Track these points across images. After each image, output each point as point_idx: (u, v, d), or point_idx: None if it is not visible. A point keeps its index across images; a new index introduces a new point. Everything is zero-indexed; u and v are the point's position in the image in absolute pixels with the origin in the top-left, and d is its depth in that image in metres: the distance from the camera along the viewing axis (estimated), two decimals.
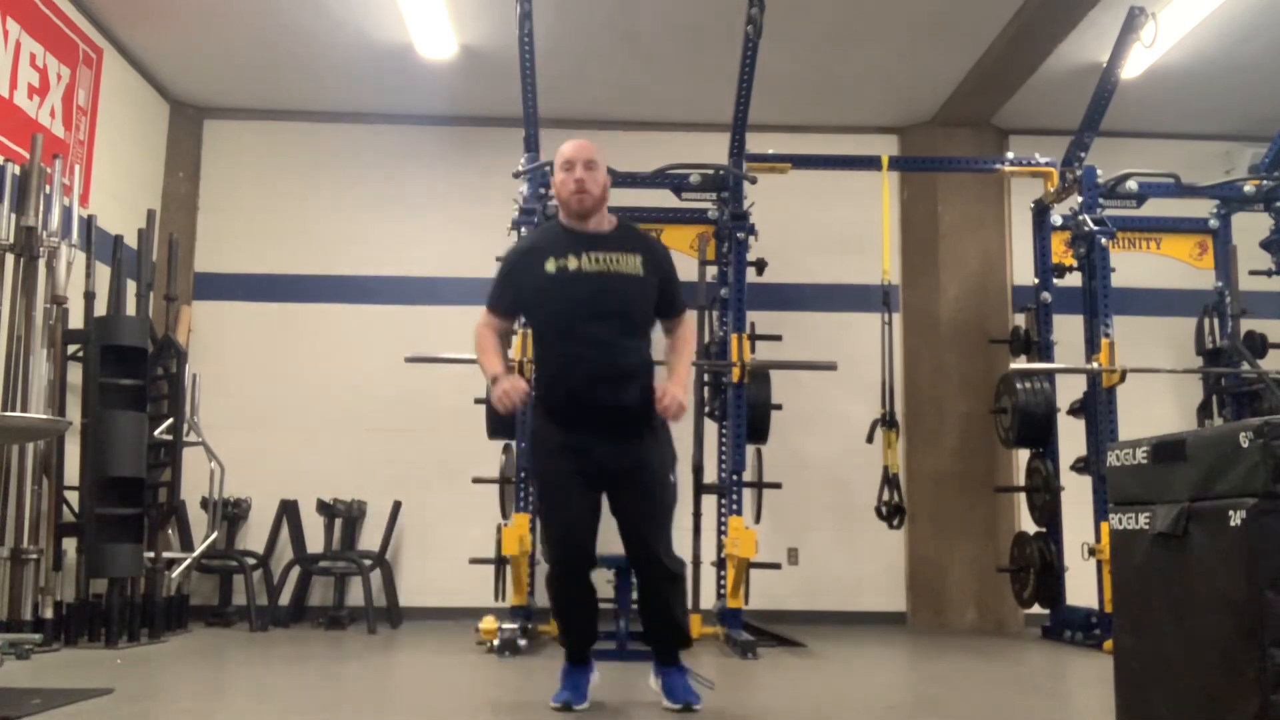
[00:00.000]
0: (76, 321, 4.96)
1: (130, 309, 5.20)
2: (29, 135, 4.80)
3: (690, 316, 3.44)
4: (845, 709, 3.56)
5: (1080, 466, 5.52)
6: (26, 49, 5.00)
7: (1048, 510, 5.70)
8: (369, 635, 5.44)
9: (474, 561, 5.35)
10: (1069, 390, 5.65)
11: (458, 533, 5.93)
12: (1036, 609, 5.84)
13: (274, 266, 6.59)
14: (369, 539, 6.10)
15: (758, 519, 5.32)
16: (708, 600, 5.46)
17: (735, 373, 5.15)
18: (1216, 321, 5.89)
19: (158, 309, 5.57)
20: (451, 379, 5.78)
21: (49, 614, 4.51)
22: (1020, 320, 6.12)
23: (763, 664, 4.48)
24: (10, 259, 4.58)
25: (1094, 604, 5.23)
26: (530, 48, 5.06)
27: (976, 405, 6.25)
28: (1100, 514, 5.19)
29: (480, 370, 3.28)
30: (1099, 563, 5.08)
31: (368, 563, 5.85)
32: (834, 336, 6.27)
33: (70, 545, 4.74)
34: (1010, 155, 6.11)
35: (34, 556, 4.46)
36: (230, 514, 5.98)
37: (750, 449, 5.29)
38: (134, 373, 4.90)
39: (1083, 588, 5.42)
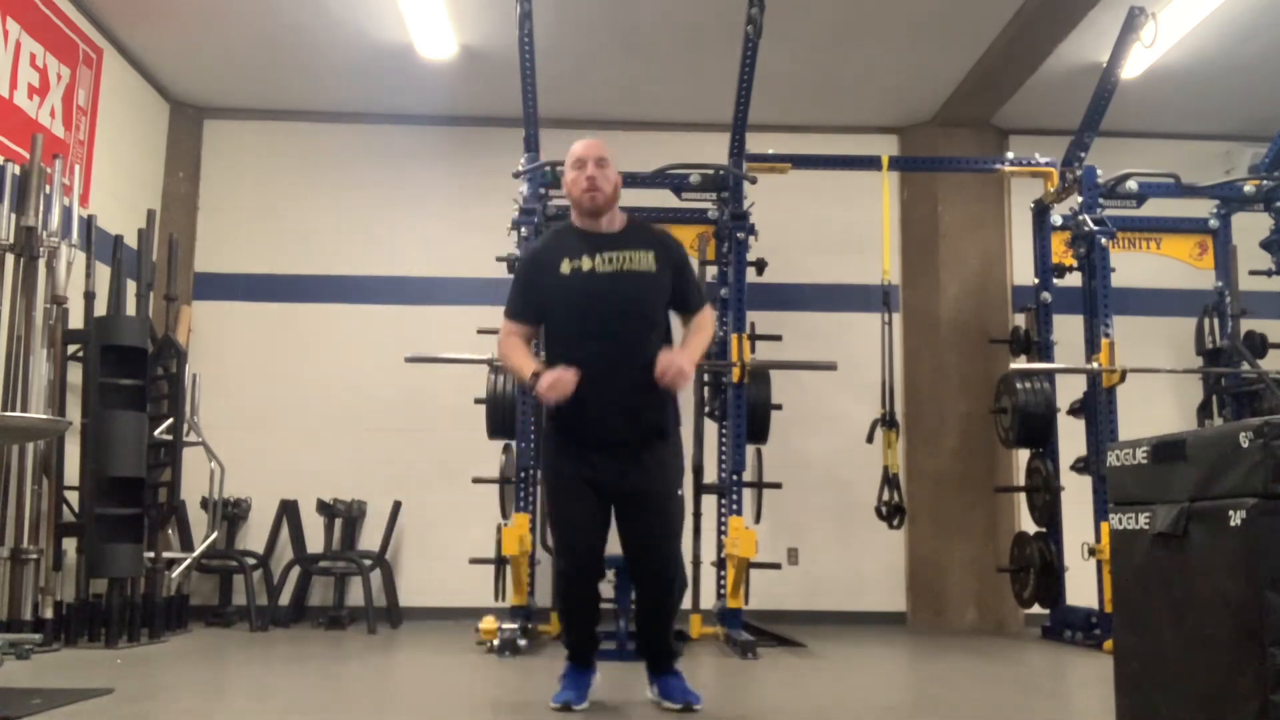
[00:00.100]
0: (76, 321, 4.96)
1: (130, 309, 5.20)
2: (29, 135, 4.80)
3: (709, 310, 3.40)
4: (845, 709, 3.56)
5: (1080, 466, 5.52)
6: (26, 49, 5.00)
7: (1048, 510, 5.70)
8: (369, 635, 5.44)
9: (474, 561, 5.35)
10: (1069, 390, 5.65)
11: (458, 533, 5.93)
12: (1036, 609, 5.85)
13: (274, 266, 6.59)
14: (369, 539, 6.10)
15: (758, 519, 5.32)
16: (708, 600, 5.46)
17: (735, 373, 5.15)
18: (1216, 321, 5.89)
19: (158, 309, 5.57)
20: (451, 379, 5.78)
21: (49, 614, 4.51)
22: (1020, 320, 6.12)
23: (763, 664, 4.48)
24: (10, 259, 4.58)
25: (1094, 604, 5.23)
26: (530, 48, 5.06)
27: (976, 405, 6.25)
28: (1100, 514, 5.19)
29: (515, 375, 3.27)
30: (1099, 563, 5.08)
31: (368, 563, 5.85)
32: (834, 336, 6.27)
33: (70, 545, 4.75)
34: (1010, 155, 6.12)
35: (34, 556, 4.46)
36: (230, 514, 5.99)
37: (750, 449, 5.29)
38: (134, 373, 4.90)
39: (1083, 588, 5.42)
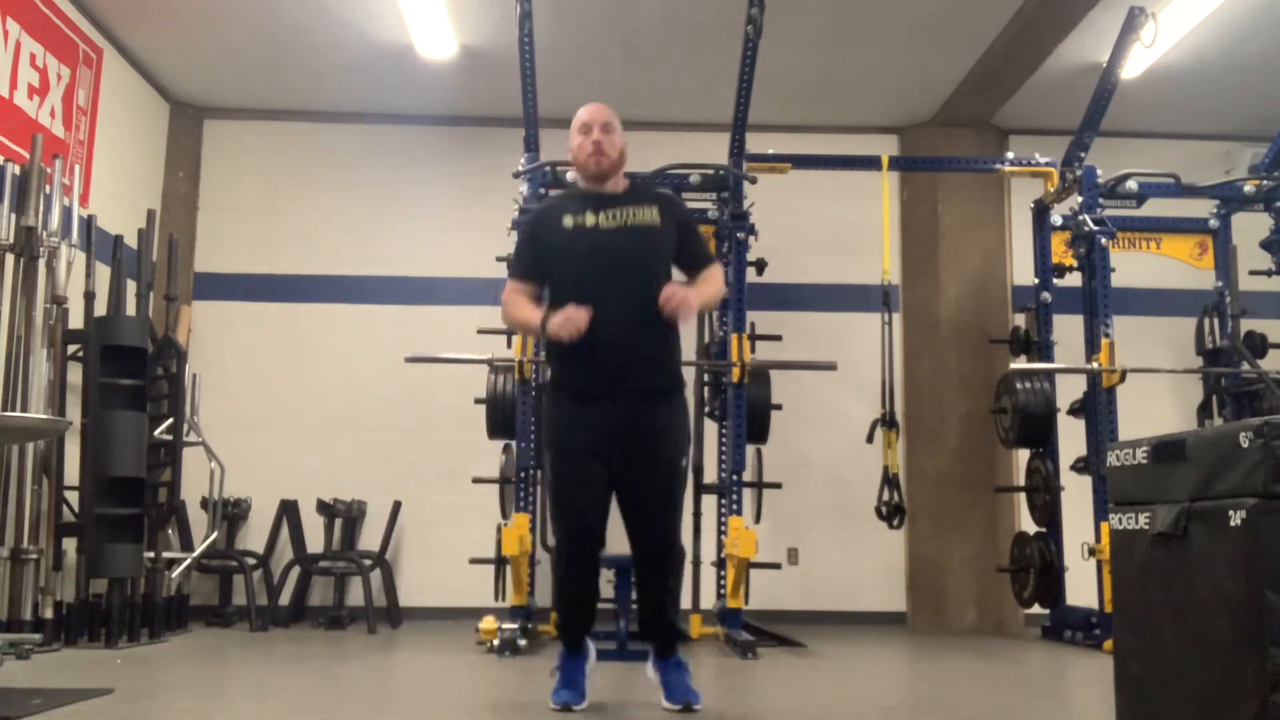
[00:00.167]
0: (76, 321, 4.96)
1: (130, 309, 5.20)
2: (29, 135, 4.80)
3: (719, 266, 3.35)
4: (845, 709, 3.56)
5: (1080, 466, 5.52)
6: (26, 49, 5.00)
7: (1048, 510, 5.70)
8: (369, 635, 5.44)
9: (474, 561, 5.35)
10: (1069, 390, 5.65)
11: (458, 533, 5.93)
12: (1036, 609, 5.85)
13: (274, 266, 6.60)
14: (369, 539, 6.10)
15: (758, 519, 5.32)
16: (708, 600, 5.46)
17: (735, 373, 5.15)
18: (1216, 321, 5.89)
19: (158, 309, 5.57)
20: (451, 379, 5.78)
21: (49, 614, 4.51)
22: (1020, 320, 6.12)
23: (763, 664, 4.48)
24: (10, 259, 4.58)
25: (1094, 604, 5.23)
26: (530, 48, 5.06)
27: (976, 405, 6.25)
28: (1100, 514, 5.19)
29: (521, 329, 3.21)
30: (1099, 563, 5.08)
31: (368, 563, 5.85)
32: (834, 336, 6.28)
33: (70, 545, 4.74)
34: (1010, 155, 6.11)
35: (34, 556, 4.46)
36: (230, 514, 5.99)
37: (750, 449, 5.28)
38: (134, 373, 4.90)
39: (1083, 588, 5.42)
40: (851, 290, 6.43)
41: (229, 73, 6.27)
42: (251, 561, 5.92)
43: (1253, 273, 5.84)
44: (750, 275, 5.40)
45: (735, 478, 5.17)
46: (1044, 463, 5.74)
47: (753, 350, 5.28)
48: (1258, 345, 5.78)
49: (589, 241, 3.13)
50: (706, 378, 5.64)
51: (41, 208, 4.70)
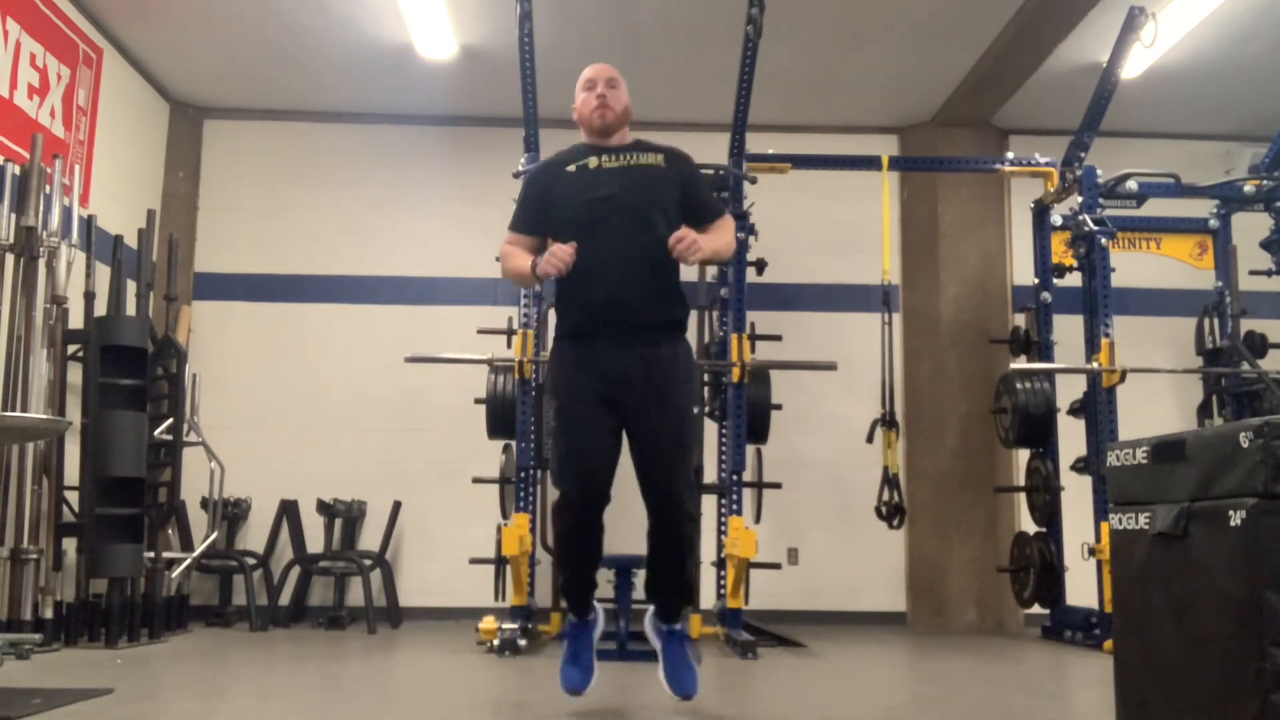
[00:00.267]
0: (76, 321, 4.96)
1: (130, 309, 5.20)
2: (29, 135, 4.80)
3: (730, 219, 3.29)
4: (845, 709, 3.56)
5: (1080, 466, 5.52)
6: (26, 49, 5.00)
7: (1048, 510, 5.70)
8: (369, 635, 5.44)
9: (474, 561, 5.35)
10: (1069, 390, 5.65)
11: (458, 533, 5.93)
12: (1036, 609, 5.85)
13: (274, 266, 6.59)
14: (369, 539, 6.10)
15: (758, 519, 5.32)
16: (708, 600, 5.46)
17: (735, 373, 5.15)
18: (1216, 321, 5.89)
19: (158, 309, 5.57)
20: (451, 379, 5.78)
21: (49, 614, 4.51)
22: (1020, 320, 6.12)
23: (763, 664, 4.48)
24: (10, 259, 4.58)
25: (1094, 604, 5.23)
26: (530, 48, 5.06)
27: (976, 405, 6.25)
28: (1100, 514, 5.19)
29: (516, 279, 3.14)
30: (1099, 563, 5.08)
31: (368, 563, 5.85)
32: (834, 336, 6.28)
33: (70, 545, 4.74)
34: (1010, 155, 6.11)
35: (34, 556, 4.46)
36: (230, 514, 5.99)
37: (750, 449, 5.29)
38: (134, 373, 4.90)
39: (1083, 588, 5.42)
40: (851, 290, 6.43)
41: (229, 73, 6.27)
42: (251, 561, 5.92)
43: (1253, 273, 5.85)
44: (750, 275, 5.40)
45: (735, 478, 5.17)
46: (1044, 463, 5.74)
47: (753, 350, 5.28)
48: (1258, 345, 5.79)
49: (591, 181, 3.09)
50: (706, 378, 5.64)
51: (41, 208, 4.70)
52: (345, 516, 6.03)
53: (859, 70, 6.09)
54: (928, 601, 6.34)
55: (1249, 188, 5.76)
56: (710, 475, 5.63)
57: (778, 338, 5.67)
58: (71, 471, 4.84)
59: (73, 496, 4.84)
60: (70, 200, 5.04)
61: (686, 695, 3.02)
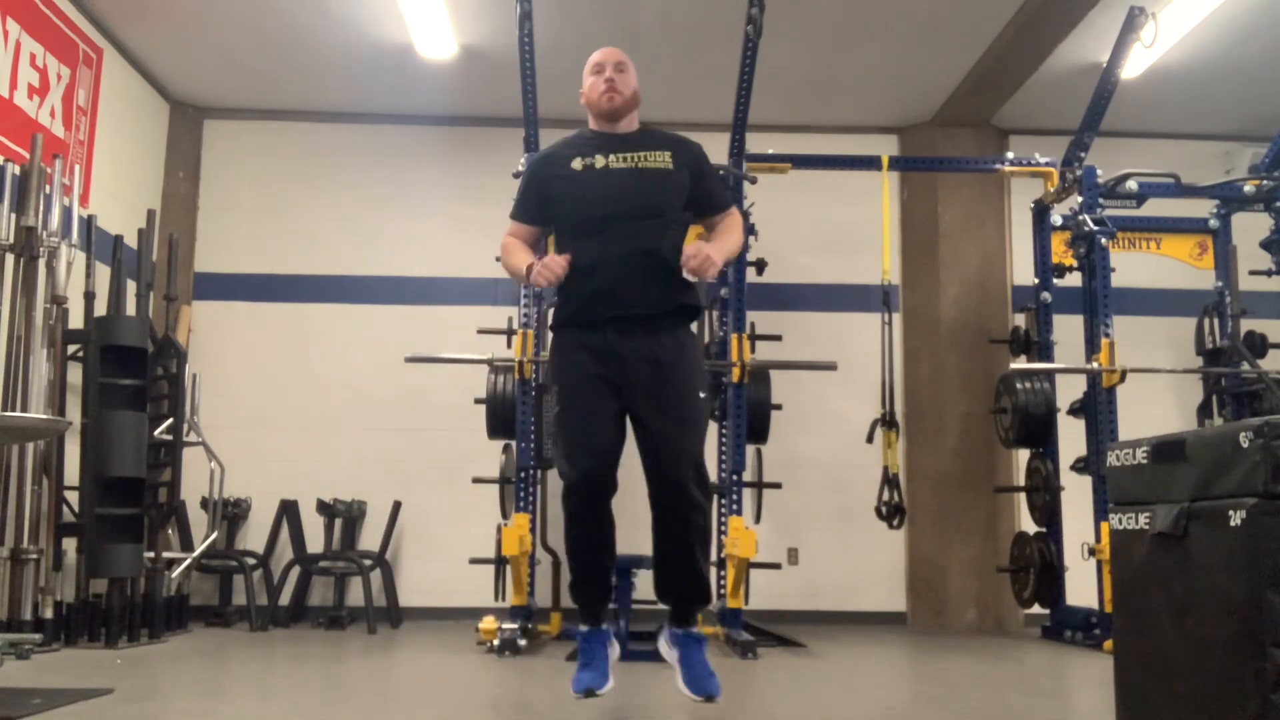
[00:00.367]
0: (76, 321, 4.96)
1: (130, 309, 5.20)
2: (29, 135, 4.80)
3: (736, 213, 3.24)
4: (845, 709, 3.56)
5: (1080, 466, 5.52)
6: (26, 49, 5.00)
7: (1048, 510, 5.70)
8: (369, 635, 5.44)
9: (474, 561, 5.35)
10: (1069, 390, 5.65)
11: (458, 533, 5.93)
12: (1036, 609, 5.85)
13: (274, 266, 6.59)
14: (369, 539, 6.10)
15: (758, 519, 5.32)
16: None
17: (735, 373, 5.15)
18: (1216, 321, 5.89)
19: (158, 309, 5.57)
20: (451, 379, 5.79)
21: (49, 614, 4.51)
22: (1020, 320, 6.12)
23: (763, 664, 4.48)
24: (10, 259, 4.58)
25: (1094, 604, 5.23)
26: (530, 48, 5.06)
27: (976, 405, 6.25)
28: (1100, 514, 5.20)
29: (512, 276, 3.10)
30: (1099, 563, 5.08)
31: (368, 563, 5.85)
32: (834, 336, 6.28)
33: (70, 545, 4.74)
34: (1010, 155, 6.11)
35: (34, 556, 4.46)
36: (230, 514, 5.99)
37: (750, 449, 5.29)
38: (134, 373, 4.90)
39: (1083, 588, 5.42)
40: (851, 290, 6.43)
41: (229, 73, 6.27)
42: (251, 561, 5.92)
43: (1253, 273, 5.85)
44: (750, 275, 5.40)
45: (735, 478, 5.18)
46: (1044, 463, 5.74)
47: (753, 350, 5.29)
48: (1258, 345, 5.79)
49: (596, 182, 3.01)
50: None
51: (41, 208, 4.70)
52: (345, 516, 6.03)
53: (859, 70, 6.09)
54: (928, 601, 6.34)
55: (1249, 188, 5.76)
56: (710, 475, 5.61)
57: (778, 338, 5.67)
58: (71, 471, 4.84)
59: (73, 496, 4.84)
60: (70, 200, 5.04)
61: (709, 696, 2.84)
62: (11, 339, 4.57)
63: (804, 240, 6.51)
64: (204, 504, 5.72)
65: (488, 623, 4.73)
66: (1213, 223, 5.94)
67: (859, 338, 6.05)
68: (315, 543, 6.02)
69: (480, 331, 5.50)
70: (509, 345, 5.37)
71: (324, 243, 6.61)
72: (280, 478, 6.14)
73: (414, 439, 6.32)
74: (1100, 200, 5.57)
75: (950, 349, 6.46)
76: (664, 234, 3.00)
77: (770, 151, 5.70)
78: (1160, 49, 5.46)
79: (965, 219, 6.63)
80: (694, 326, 3.18)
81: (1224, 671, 2.05)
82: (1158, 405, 6.07)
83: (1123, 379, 5.24)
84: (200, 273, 6.55)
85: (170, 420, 5.29)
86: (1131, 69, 5.66)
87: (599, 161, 3.04)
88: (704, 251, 2.87)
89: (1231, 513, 2.06)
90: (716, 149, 5.50)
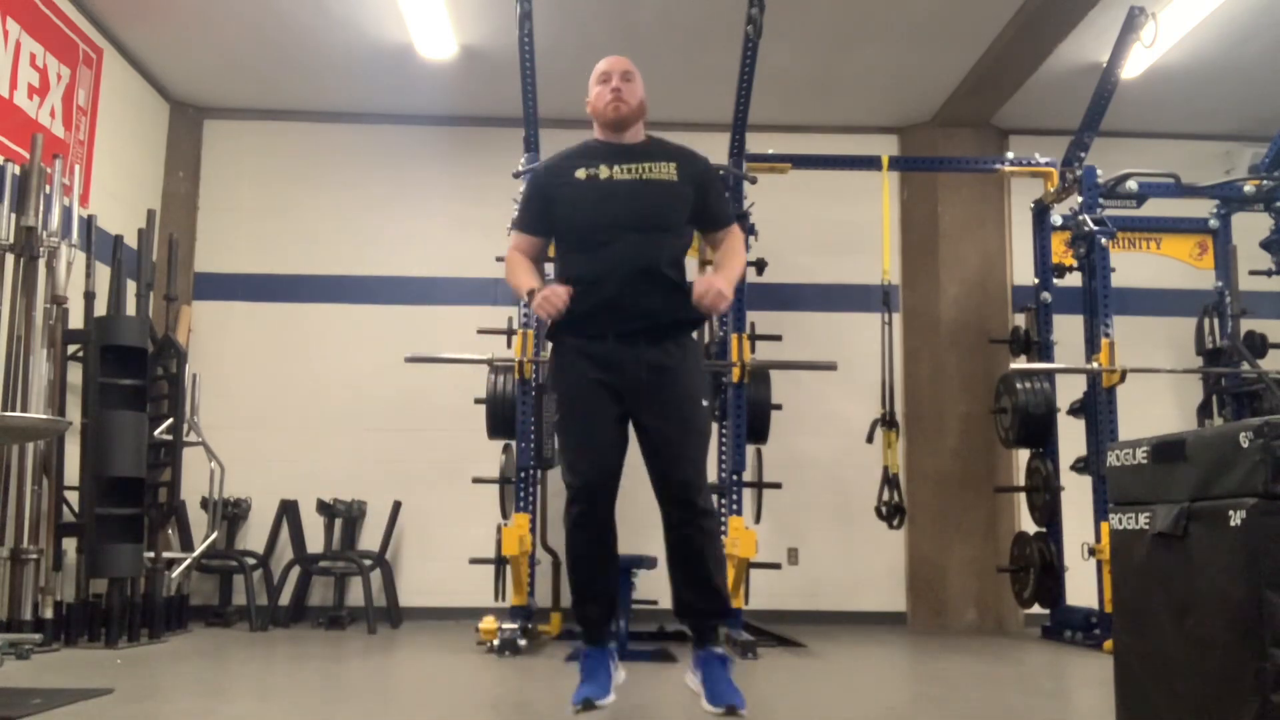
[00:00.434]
0: (76, 321, 4.96)
1: (130, 309, 5.20)
2: (29, 135, 4.80)
3: (739, 231, 3.22)
4: (845, 709, 3.56)
5: (1080, 466, 5.52)
6: (26, 49, 5.00)
7: (1048, 510, 5.70)
8: (369, 635, 5.44)
9: (474, 561, 5.35)
10: (1069, 390, 5.65)
11: (458, 533, 5.93)
12: (1036, 609, 5.85)
13: (274, 266, 6.59)
14: (369, 539, 6.10)
15: (758, 519, 5.32)
16: None
17: (735, 373, 5.15)
18: (1216, 321, 5.89)
19: (158, 309, 5.57)
20: (451, 379, 5.79)
21: (49, 614, 4.51)
22: (1020, 320, 6.12)
23: (763, 664, 4.48)
24: (10, 259, 4.58)
25: (1094, 604, 5.23)
26: (530, 48, 5.06)
27: (976, 405, 6.25)
28: (1100, 514, 5.20)
29: (516, 292, 3.08)
30: (1099, 563, 5.08)
31: (368, 563, 5.85)
32: (834, 336, 6.28)
33: (70, 545, 4.74)
34: (1010, 155, 6.11)
35: (34, 556, 4.46)
36: (230, 514, 5.99)
37: (750, 449, 5.29)
38: (134, 373, 4.90)
39: (1083, 588, 5.42)
40: (851, 290, 6.43)
41: (229, 73, 6.27)
42: (251, 561, 5.92)
43: (1253, 273, 5.85)
44: (750, 275, 5.39)
45: (735, 478, 5.17)
46: (1044, 463, 5.74)
47: (753, 350, 5.29)
48: (1258, 345, 5.79)
49: (601, 193, 2.99)
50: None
51: (41, 208, 4.70)
52: (345, 516, 6.03)
53: (859, 70, 6.09)
54: (928, 601, 6.34)
55: (1249, 188, 5.76)
56: (711, 475, 5.61)
57: (778, 338, 5.67)
58: (71, 471, 4.84)
59: (73, 496, 4.84)
60: (70, 200, 5.04)
61: (733, 707, 2.72)
62: (11, 339, 4.57)
63: (804, 240, 6.51)
64: (204, 504, 5.72)
65: (488, 623, 4.73)
66: (1213, 223, 5.94)
67: (859, 338, 6.05)
68: (315, 543, 6.02)
69: (480, 331, 5.50)
70: (509, 345, 5.37)
71: (324, 243, 6.61)
72: (280, 478, 6.14)
73: (414, 439, 6.32)
74: (1100, 200, 5.57)
75: (950, 349, 6.46)
76: (667, 246, 2.99)
77: (770, 151, 5.70)
78: (1160, 49, 5.46)
79: (965, 219, 6.63)
80: (695, 335, 3.18)
81: (1224, 671, 2.05)
82: (1158, 405, 6.07)
83: (1123, 379, 5.24)
84: (200, 273, 6.55)
85: (170, 420, 5.29)
86: (1131, 69, 5.66)
87: (603, 172, 3.01)
88: (715, 287, 2.86)
89: (1231, 513, 2.06)
90: (716, 149, 5.52)
